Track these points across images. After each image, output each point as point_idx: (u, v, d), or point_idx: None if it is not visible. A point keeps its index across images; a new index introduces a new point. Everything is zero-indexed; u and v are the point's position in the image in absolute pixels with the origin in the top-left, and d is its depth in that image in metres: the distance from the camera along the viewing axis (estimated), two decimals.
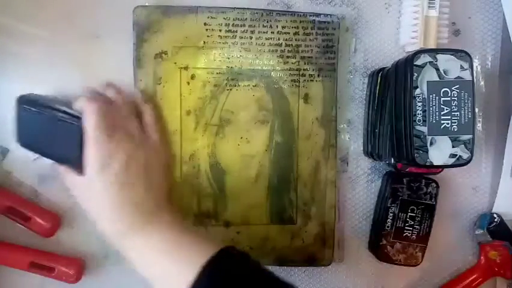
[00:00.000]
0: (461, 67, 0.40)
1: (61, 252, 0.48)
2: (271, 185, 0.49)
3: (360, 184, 0.52)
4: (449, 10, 0.48)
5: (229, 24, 0.46)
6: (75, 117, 0.39)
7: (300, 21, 0.47)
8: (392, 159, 0.45)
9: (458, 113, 0.39)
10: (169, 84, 0.47)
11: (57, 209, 0.48)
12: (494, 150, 0.52)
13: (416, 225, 0.49)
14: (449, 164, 0.40)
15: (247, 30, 0.47)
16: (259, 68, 0.47)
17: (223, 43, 0.47)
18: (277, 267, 0.51)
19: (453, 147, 0.40)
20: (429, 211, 0.49)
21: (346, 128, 0.51)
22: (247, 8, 0.47)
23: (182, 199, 0.48)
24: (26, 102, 0.41)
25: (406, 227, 0.49)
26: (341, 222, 0.51)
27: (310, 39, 0.47)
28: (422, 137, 0.39)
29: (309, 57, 0.48)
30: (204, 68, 0.47)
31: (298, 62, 0.48)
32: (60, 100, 0.42)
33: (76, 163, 0.38)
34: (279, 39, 0.47)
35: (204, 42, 0.46)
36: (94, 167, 0.36)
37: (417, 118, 0.39)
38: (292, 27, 0.47)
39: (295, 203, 0.49)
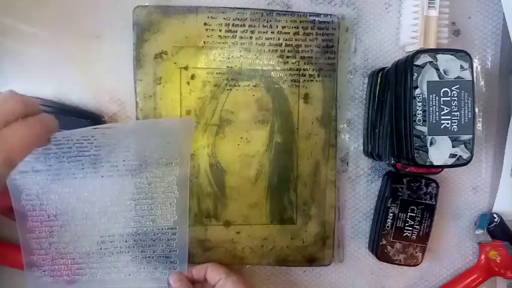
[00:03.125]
0: (461, 67, 0.40)
1: None
2: (271, 184, 0.49)
3: (360, 184, 0.52)
4: (449, 10, 0.48)
5: (229, 24, 0.46)
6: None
7: (300, 21, 0.47)
8: (392, 159, 0.45)
9: (458, 113, 0.39)
10: (169, 84, 0.47)
11: None
12: (494, 150, 0.52)
13: (416, 225, 0.49)
14: (449, 164, 0.40)
15: (247, 30, 0.47)
16: (259, 68, 0.47)
17: (223, 43, 0.47)
18: (277, 267, 0.51)
19: (453, 147, 0.40)
20: (429, 211, 0.49)
21: (346, 128, 0.51)
22: (247, 8, 0.47)
23: None
24: None
25: (406, 227, 0.49)
26: (341, 222, 0.52)
27: (310, 39, 0.47)
28: (422, 137, 0.39)
29: (309, 57, 0.48)
30: (204, 68, 0.47)
31: (298, 62, 0.48)
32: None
33: None
34: (279, 39, 0.47)
35: (204, 42, 0.46)
36: None
37: (417, 118, 0.39)
38: (292, 27, 0.47)
39: (295, 203, 0.49)
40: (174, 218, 0.46)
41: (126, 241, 0.45)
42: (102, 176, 0.44)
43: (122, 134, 0.43)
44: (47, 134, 0.35)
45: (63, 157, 0.42)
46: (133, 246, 0.46)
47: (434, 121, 0.39)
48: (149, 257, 0.46)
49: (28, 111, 0.33)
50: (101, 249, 0.46)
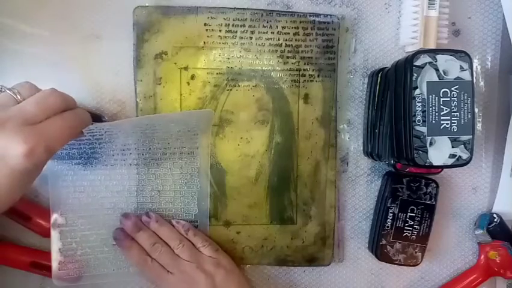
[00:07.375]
0: (461, 67, 0.40)
1: None
2: (271, 185, 0.49)
3: (360, 184, 0.52)
4: (449, 10, 0.48)
5: (229, 24, 0.46)
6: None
7: (300, 22, 0.47)
8: (392, 159, 0.45)
9: (457, 113, 0.39)
10: (169, 85, 0.47)
11: None
12: (494, 150, 0.52)
13: (416, 225, 0.49)
14: (449, 164, 0.40)
15: (247, 30, 0.47)
16: (259, 68, 0.47)
17: (223, 43, 0.47)
18: (277, 267, 0.51)
19: (452, 147, 0.40)
20: (429, 211, 0.49)
21: (346, 128, 0.51)
22: (247, 8, 0.47)
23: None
24: None
25: (406, 227, 0.49)
26: (341, 222, 0.52)
27: (310, 40, 0.47)
28: (421, 137, 0.39)
29: (309, 57, 0.48)
30: (204, 68, 0.47)
31: (298, 62, 0.48)
32: None
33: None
34: (279, 40, 0.47)
35: (204, 42, 0.47)
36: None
37: (417, 118, 0.39)
38: (292, 28, 0.47)
39: (295, 203, 0.49)
40: (196, 212, 0.47)
41: None
42: (130, 164, 0.45)
43: (149, 123, 0.44)
44: (82, 126, 0.39)
45: (95, 143, 0.43)
46: None
47: (433, 121, 0.39)
48: None
49: (66, 106, 0.37)
50: None
